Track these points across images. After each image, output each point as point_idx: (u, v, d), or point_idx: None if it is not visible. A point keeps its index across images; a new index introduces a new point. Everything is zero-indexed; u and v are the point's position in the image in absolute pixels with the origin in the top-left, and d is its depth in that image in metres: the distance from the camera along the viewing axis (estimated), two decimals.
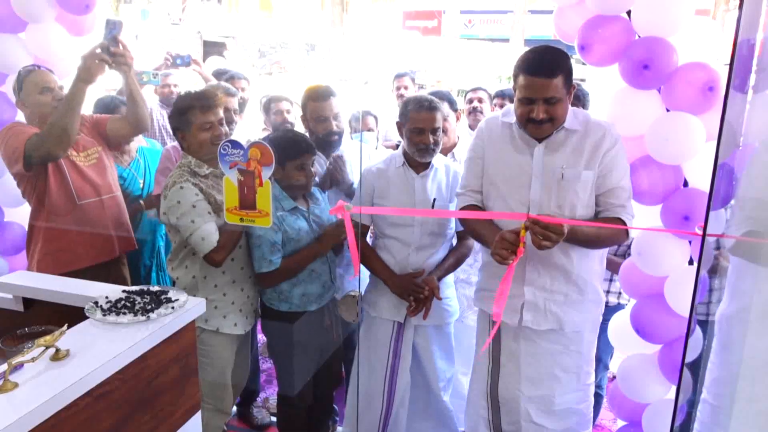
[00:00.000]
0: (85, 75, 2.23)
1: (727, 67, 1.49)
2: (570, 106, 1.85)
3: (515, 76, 1.80)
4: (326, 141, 2.43)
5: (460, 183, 2.06)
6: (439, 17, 14.84)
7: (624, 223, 1.83)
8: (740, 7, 1.44)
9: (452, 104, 2.65)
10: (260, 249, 2.12)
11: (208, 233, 2.00)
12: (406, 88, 4.12)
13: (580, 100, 2.57)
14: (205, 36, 10.73)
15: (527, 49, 1.83)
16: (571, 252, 1.86)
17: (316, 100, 2.42)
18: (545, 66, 1.73)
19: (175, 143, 2.61)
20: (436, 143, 2.15)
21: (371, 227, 2.33)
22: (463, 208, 2.01)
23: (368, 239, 2.39)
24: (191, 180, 2.04)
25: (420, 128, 2.12)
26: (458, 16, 14.81)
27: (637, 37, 1.91)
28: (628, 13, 1.91)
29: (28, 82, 2.31)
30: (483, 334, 2.10)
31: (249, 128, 3.68)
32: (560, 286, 1.90)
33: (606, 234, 1.83)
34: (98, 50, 2.22)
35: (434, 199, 2.19)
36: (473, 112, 3.36)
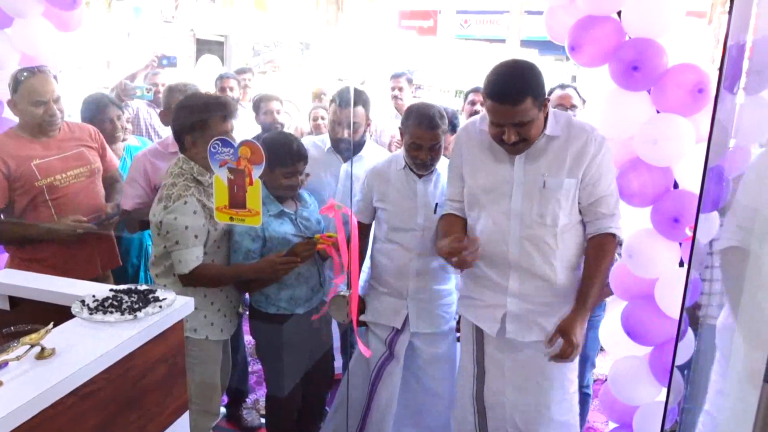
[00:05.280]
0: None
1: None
2: (552, 110, 1.83)
3: (483, 96, 1.76)
4: (340, 146, 2.47)
5: (446, 191, 2.06)
6: (435, 17, 14.82)
7: (614, 236, 1.83)
8: (730, 8, 1.45)
9: (454, 127, 2.61)
10: (236, 255, 2.12)
11: (186, 259, 1.99)
12: (401, 89, 4.08)
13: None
14: (198, 34, 10.70)
15: (495, 65, 1.75)
16: (555, 261, 1.85)
17: (339, 104, 2.46)
18: (510, 94, 1.67)
19: (154, 147, 2.56)
20: (433, 159, 2.14)
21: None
22: (441, 218, 2.04)
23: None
24: (195, 194, 2.01)
25: (418, 144, 2.10)
26: (454, 16, 14.80)
27: (627, 38, 1.91)
28: (619, 13, 1.91)
29: (23, 88, 2.24)
30: (467, 341, 2.07)
31: (242, 127, 3.67)
32: (544, 296, 1.87)
33: (609, 268, 1.88)
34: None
35: (436, 204, 2.16)
36: (474, 114, 3.24)
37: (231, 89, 3.58)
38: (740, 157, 1.71)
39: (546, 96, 1.74)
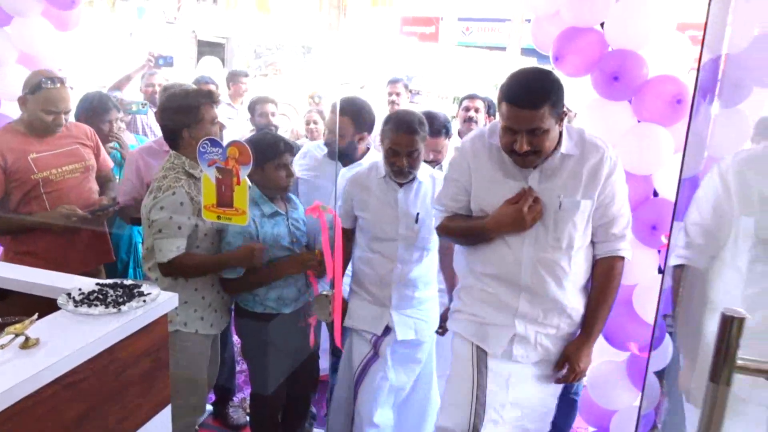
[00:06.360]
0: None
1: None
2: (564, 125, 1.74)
3: (499, 102, 1.68)
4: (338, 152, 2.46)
5: (437, 199, 1.96)
6: (437, 24, 14.88)
7: (623, 259, 1.79)
8: (705, 23, 1.49)
9: (447, 131, 2.60)
10: None
11: (165, 248, 2.01)
12: (398, 94, 4.10)
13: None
14: (199, 36, 10.76)
15: (514, 71, 1.70)
16: (567, 285, 1.77)
17: (333, 112, 2.47)
18: (529, 96, 1.59)
19: (149, 145, 2.60)
20: (411, 166, 2.08)
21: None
22: (450, 220, 1.89)
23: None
24: (185, 187, 2.03)
25: (395, 150, 2.05)
26: (456, 23, 14.85)
27: (610, 50, 1.95)
28: (603, 25, 1.95)
29: (41, 95, 2.27)
30: (461, 360, 1.90)
31: (239, 128, 3.72)
32: (553, 319, 1.80)
33: (616, 292, 1.80)
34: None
35: (417, 213, 2.13)
36: (468, 121, 3.28)
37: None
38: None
39: (564, 110, 1.67)
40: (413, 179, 2.15)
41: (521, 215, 1.69)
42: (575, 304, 1.81)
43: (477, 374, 1.87)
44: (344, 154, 2.52)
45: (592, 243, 1.81)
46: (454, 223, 1.88)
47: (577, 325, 1.85)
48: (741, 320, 0.71)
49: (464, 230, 1.87)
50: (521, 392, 1.87)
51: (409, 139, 2.04)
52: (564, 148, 1.71)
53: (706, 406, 0.81)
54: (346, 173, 2.45)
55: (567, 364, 1.84)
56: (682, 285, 1.61)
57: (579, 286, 1.81)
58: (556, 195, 1.71)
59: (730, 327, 0.73)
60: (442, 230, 1.94)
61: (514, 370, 1.85)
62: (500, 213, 1.74)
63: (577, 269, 1.78)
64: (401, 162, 2.06)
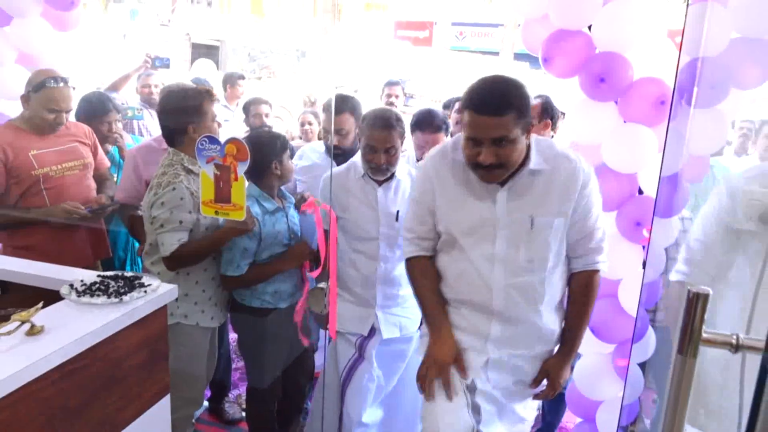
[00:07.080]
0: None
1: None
2: (532, 136, 1.64)
3: (461, 111, 1.58)
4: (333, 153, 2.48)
5: (404, 224, 1.85)
6: (431, 28, 14.98)
7: (599, 271, 1.72)
8: (683, 27, 1.56)
9: (447, 127, 2.65)
10: (231, 252, 2.14)
11: (169, 242, 2.04)
12: (396, 97, 4.13)
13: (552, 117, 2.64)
14: (193, 38, 10.79)
15: (478, 78, 1.59)
16: (541, 307, 1.69)
17: (327, 111, 2.52)
18: (493, 102, 1.50)
19: (148, 143, 2.65)
20: (389, 163, 2.07)
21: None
22: (410, 259, 1.80)
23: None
24: (185, 182, 2.07)
25: (372, 146, 2.05)
26: (450, 28, 14.96)
27: (597, 52, 2.02)
28: (591, 27, 2.02)
29: (45, 94, 2.33)
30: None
31: (235, 130, 3.77)
32: (527, 341, 1.72)
33: (593, 307, 1.73)
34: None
35: (398, 211, 2.14)
36: (459, 123, 3.35)
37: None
38: (698, 167, 1.82)
39: (530, 122, 1.58)
40: (391, 177, 2.16)
41: (447, 368, 1.68)
42: (551, 324, 1.73)
43: (469, 398, 1.74)
44: (351, 152, 2.53)
45: (568, 258, 1.73)
46: (418, 281, 1.80)
47: (553, 343, 1.78)
48: (706, 296, 0.78)
49: (420, 299, 1.80)
50: (508, 390, 1.82)
51: (385, 134, 2.04)
52: (532, 163, 1.61)
53: (674, 377, 0.87)
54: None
55: (546, 380, 1.79)
56: (680, 302, 1.64)
57: (554, 306, 1.74)
58: (528, 214, 1.62)
59: (696, 303, 0.79)
60: (407, 271, 1.84)
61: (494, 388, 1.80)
62: (442, 345, 1.71)
63: (552, 290, 1.70)
64: (379, 159, 2.06)
